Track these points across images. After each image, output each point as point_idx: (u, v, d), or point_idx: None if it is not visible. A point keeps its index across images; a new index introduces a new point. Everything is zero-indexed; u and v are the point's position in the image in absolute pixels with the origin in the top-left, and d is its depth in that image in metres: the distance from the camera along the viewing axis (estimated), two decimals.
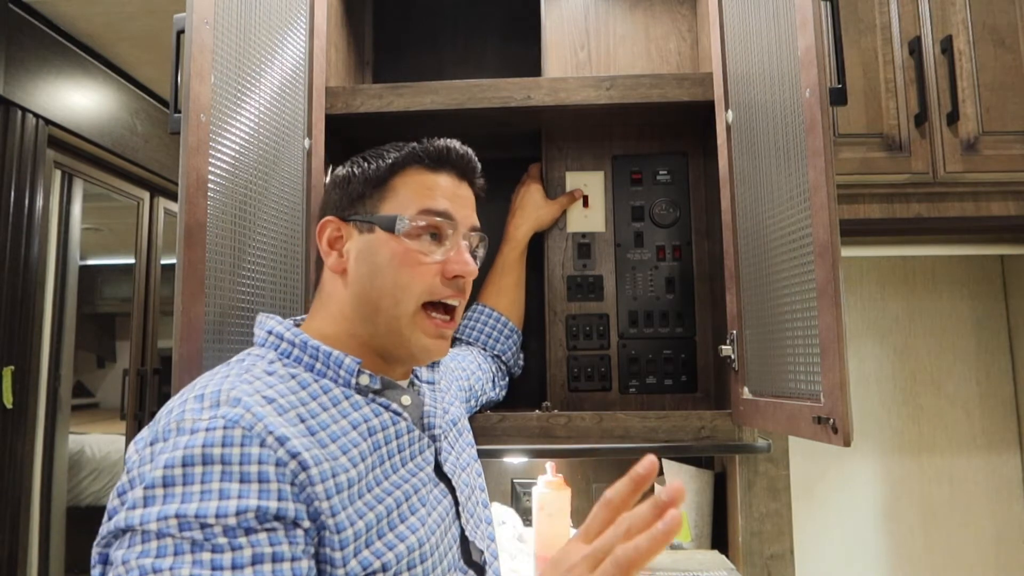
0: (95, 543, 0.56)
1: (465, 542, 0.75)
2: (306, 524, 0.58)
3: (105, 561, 0.56)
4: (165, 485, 0.54)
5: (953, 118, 1.16)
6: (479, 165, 0.81)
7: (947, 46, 1.17)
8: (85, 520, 2.75)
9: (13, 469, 1.99)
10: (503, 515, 1.31)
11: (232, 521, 0.53)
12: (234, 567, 0.53)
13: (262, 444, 0.57)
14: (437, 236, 0.74)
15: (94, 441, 3.06)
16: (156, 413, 0.62)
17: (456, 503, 0.76)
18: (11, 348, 1.98)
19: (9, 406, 1.96)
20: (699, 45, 1.30)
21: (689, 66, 1.31)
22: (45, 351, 2.21)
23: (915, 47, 1.18)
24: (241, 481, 0.55)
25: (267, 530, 0.55)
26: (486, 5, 1.43)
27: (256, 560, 0.53)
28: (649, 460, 0.56)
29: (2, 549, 1.94)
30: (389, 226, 0.73)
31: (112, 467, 3.01)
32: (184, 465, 0.55)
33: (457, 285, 0.75)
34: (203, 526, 0.53)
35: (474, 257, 0.80)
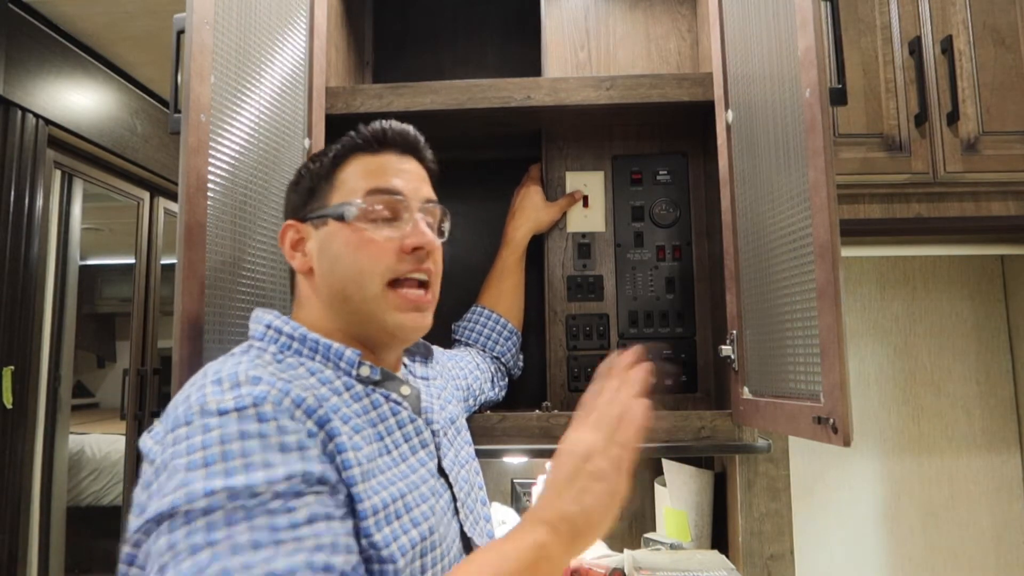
0: (124, 540, 0.54)
1: (464, 539, 0.76)
2: (344, 490, 0.59)
3: (132, 561, 0.54)
4: (206, 464, 0.52)
5: (953, 118, 1.16)
6: (422, 139, 0.80)
7: (947, 46, 1.17)
8: (85, 520, 2.75)
9: (13, 469, 1.99)
10: (503, 515, 1.31)
11: (283, 486, 0.53)
12: (293, 526, 0.52)
13: (292, 417, 0.58)
14: (390, 216, 0.74)
15: (94, 441, 3.06)
16: (157, 412, 0.61)
17: (454, 499, 0.76)
18: (11, 348, 1.98)
19: (9, 406, 1.96)
20: (699, 45, 1.30)
21: (689, 66, 1.31)
22: (45, 351, 2.21)
23: (915, 47, 1.18)
24: (282, 451, 0.55)
25: (315, 493, 0.55)
26: (486, 5, 1.43)
27: (312, 519, 0.53)
28: (627, 353, 0.65)
29: (2, 549, 1.94)
30: (340, 215, 0.73)
31: (112, 467, 3.01)
32: (223, 443, 0.53)
33: (418, 258, 0.74)
34: (253, 495, 0.51)
35: (441, 232, 0.80)
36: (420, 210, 0.76)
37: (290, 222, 0.77)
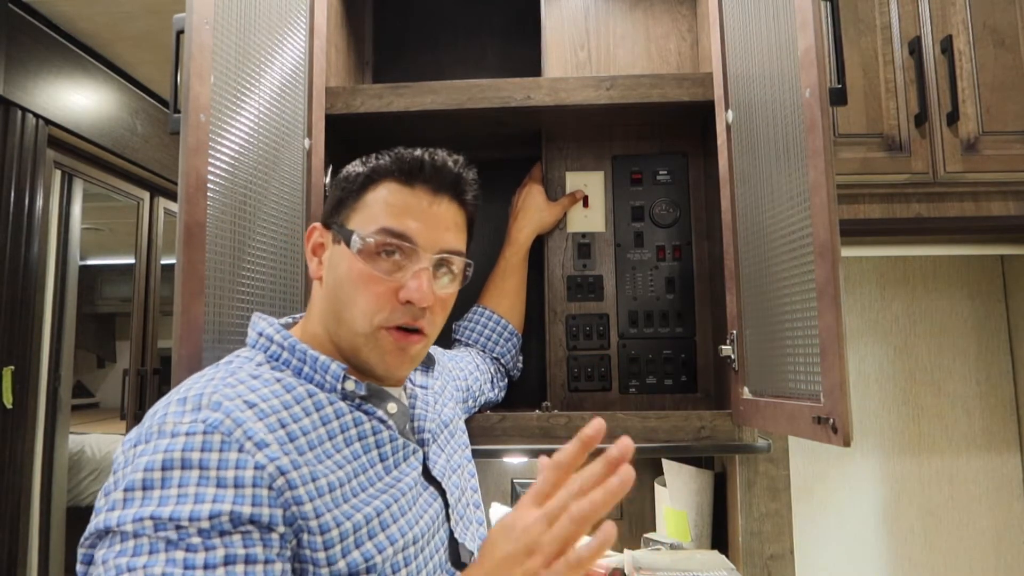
0: (80, 542, 0.57)
1: (454, 544, 0.75)
2: (281, 529, 0.58)
3: (90, 561, 0.57)
4: (144, 488, 0.55)
5: (953, 118, 1.16)
6: (466, 176, 0.75)
7: (947, 46, 1.17)
8: (85, 520, 2.74)
9: (13, 469, 1.99)
10: (503, 515, 1.31)
11: (205, 524, 0.54)
12: (206, 566, 0.53)
13: (240, 449, 0.57)
14: (397, 259, 0.70)
15: (94, 441, 3.06)
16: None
17: (446, 506, 0.76)
18: (11, 348, 1.98)
19: (9, 406, 1.96)
20: (699, 45, 1.30)
21: (689, 66, 1.31)
22: (45, 351, 2.21)
23: (915, 47, 1.18)
24: (217, 486, 0.55)
25: (241, 533, 0.55)
26: (486, 5, 1.43)
27: (228, 561, 0.54)
28: (597, 422, 0.57)
29: (2, 549, 1.94)
30: (349, 241, 0.71)
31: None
32: (163, 468, 0.55)
33: (411, 312, 0.69)
34: (177, 527, 0.53)
35: (465, 278, 0.76)
36: (433, 261, 0.71)
37: (316, 225, 0.76)
